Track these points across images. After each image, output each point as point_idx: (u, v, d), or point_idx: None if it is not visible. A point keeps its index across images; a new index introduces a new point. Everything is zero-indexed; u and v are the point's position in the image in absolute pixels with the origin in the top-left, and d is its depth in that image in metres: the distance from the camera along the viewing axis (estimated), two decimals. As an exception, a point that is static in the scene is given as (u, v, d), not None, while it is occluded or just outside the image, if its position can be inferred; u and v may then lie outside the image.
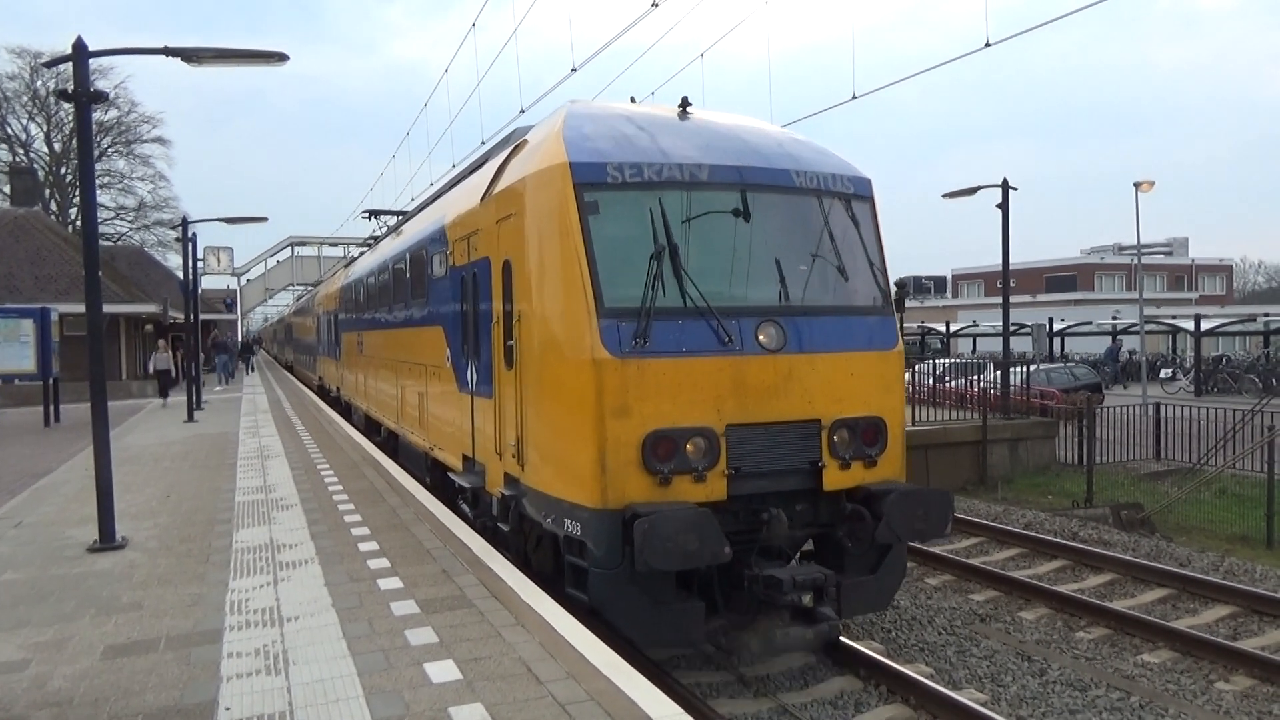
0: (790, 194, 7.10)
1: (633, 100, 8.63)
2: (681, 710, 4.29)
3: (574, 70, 13.75)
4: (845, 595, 6.80)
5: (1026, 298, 64.43)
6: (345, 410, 20.40)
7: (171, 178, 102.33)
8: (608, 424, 6.13)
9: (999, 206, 19.80)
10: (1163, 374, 38.63)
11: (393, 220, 18.62)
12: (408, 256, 11.91)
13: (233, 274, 58.75)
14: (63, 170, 50.55)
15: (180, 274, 32.24)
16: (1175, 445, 18.61)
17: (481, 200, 8.18)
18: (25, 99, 49.21)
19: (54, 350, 21.08)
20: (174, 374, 27.48)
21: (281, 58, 8.50)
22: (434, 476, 10.90)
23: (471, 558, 7.13)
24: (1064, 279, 69.91)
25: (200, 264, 29.74)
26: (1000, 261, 20.39)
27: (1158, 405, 20.13)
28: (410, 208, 18.07)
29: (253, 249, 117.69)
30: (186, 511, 9.31)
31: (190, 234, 22.46)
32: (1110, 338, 46.05)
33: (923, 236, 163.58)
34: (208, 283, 47.32)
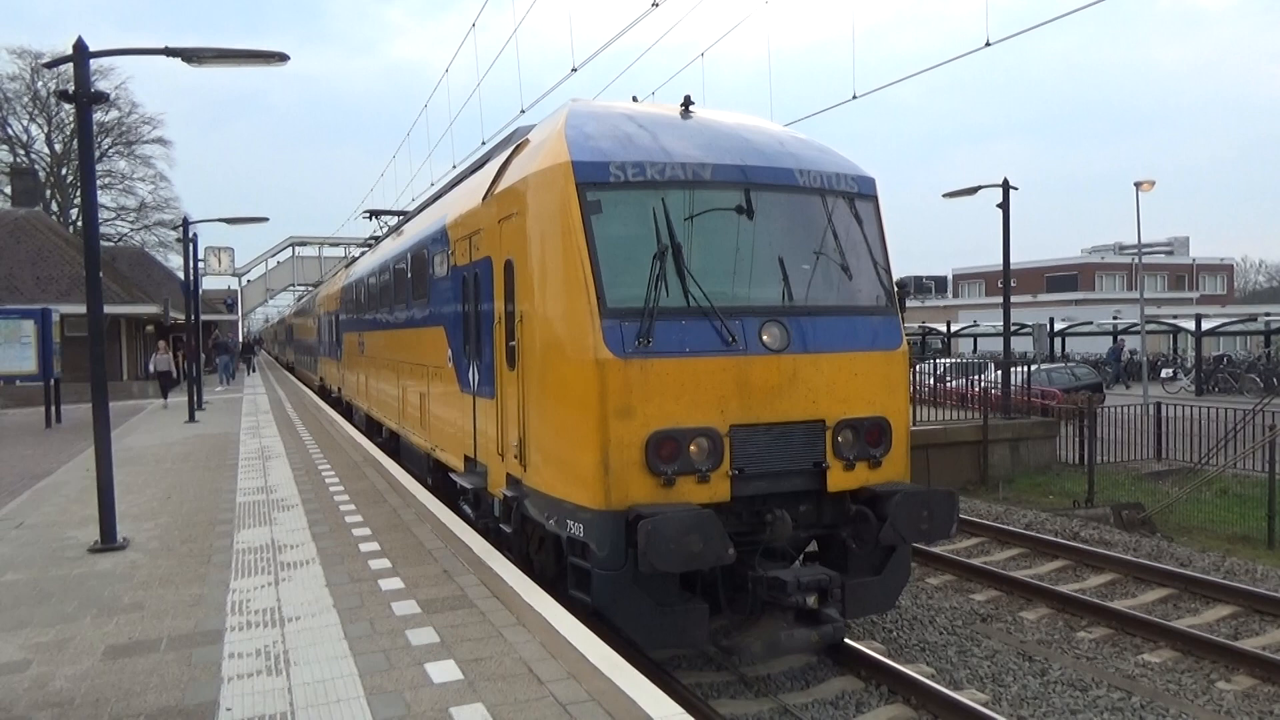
0: (794, 193, 7.06)
1: (635, 99, 8.62)
2: (682, 710, 4.28)
3: (574, 70, 13.76)
4: (850, 597, 6.76)
5: (1027, 297, 64.39)
6: (346, 411, 20.40)
7: (172, 178, 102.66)
8: (611, 425, 6.10)
9: (999, 206, 19.80)
10: (1164, 374, 38.64)
11: (393, 220, 18.62)
12: (409, 256, 11.90)
13: (233, 274, 58.90)
14: (64, 171, 50.57)
15: (181, 274, 32.30)
16: (1176, 445, 18.61)
17: (483, 200, 8.16)
18: (26, 100, 49.29)
19: (55, 351, 21.09)
20: (175, 375, 27.46)
21: (282, 58, 8.50)
22: (435, 477, 10.89)
23: (472, 558, 7.13)
24: (1065, 279, 69.87)
25: (201, 264, 29.79)
26: (1001, 261, 20.40)
27: (1159, 405, 20.12)
28: (411, 208, 18.07)
29: (253, 249, 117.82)
30: (188, 512, 9.31)
31: (191, 234, 22.47)
32: (1111, 337, 46.04)
33: (923, 236, 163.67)
34: (209, 283, 47.50)
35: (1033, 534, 12.50)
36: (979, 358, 33.74)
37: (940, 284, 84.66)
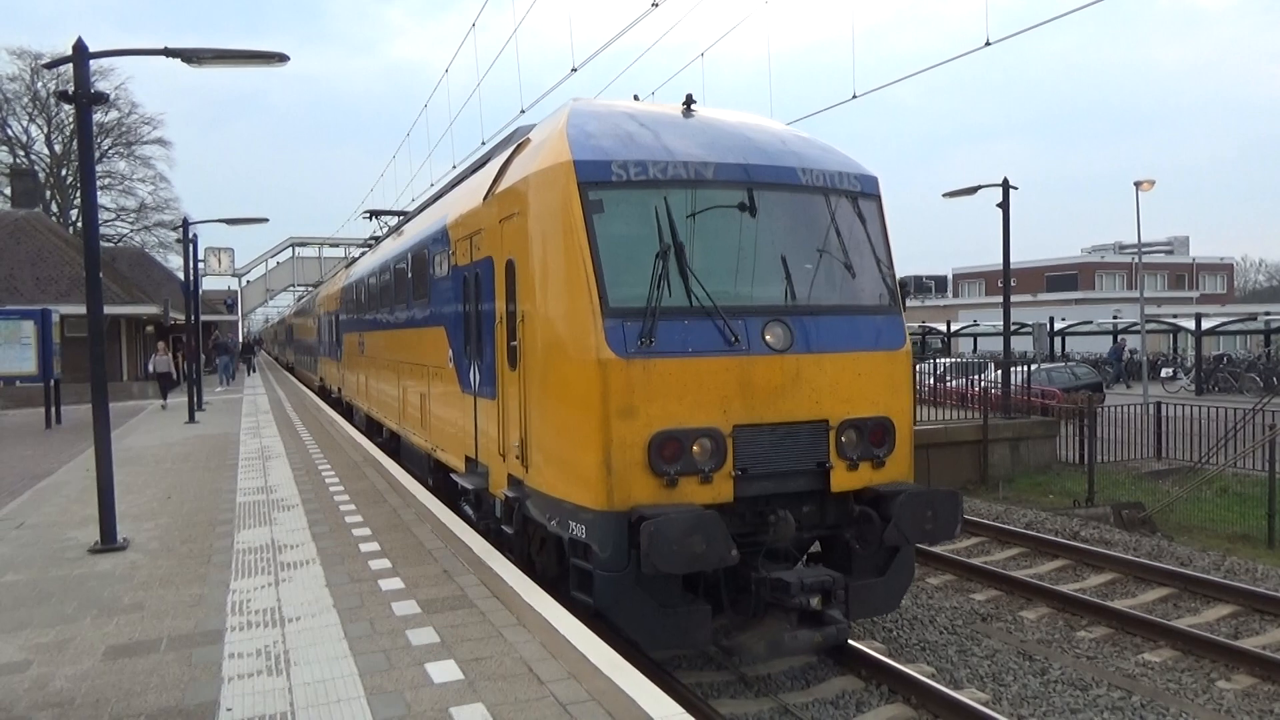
0: (797, 192, 7.03)
1: (636, 98, 8.60)
2: (682, 710, 4.28)
3: (574, 70, 13.76)
4: (853, 598, 6.72)
5: (1027, 297, 64.39)
6: (346, 411, 20.40)
7: (172, 179, 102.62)
8: (613, 425, 6.07)
9: (999, 206, 19.80)
10: (1164, 373, 38.64)
11: (394, 220, 18.62)
12: (409, 256, 11.89)
13: (233, 275, 58.91)
14: (63, 172, 50.56)
15: (181, 275, 32.29)
16: (1176, 444, 18.61)
17: (484, 199, 8.14)
18: (26, 100, 49.29)
19: (55, 352, 21.09)
20: (174, 376, 27.43)
21: (282, 58, 8.50)
22: (436, 478, 10.88)
23: (472, 558, 7.13)
24: (1065, 278, 69.87)
25: (201, 265, 29.77)
26: (1001, 260, 20.40)
27: (1159, 404, 20.12)
28: (411, 208, 18.07)
29: (253, 250, 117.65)
30: (188, 512, 9.31)
31: (191, 235, 22.48)
32: (1111, 337, 46.06)
33: (923, 236, 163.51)
34: (209, 284, 47.50)
35: (1033, 533, 12.50)
36: (979, 357, 33.75)
37: (940, 284, 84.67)
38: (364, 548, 7.56)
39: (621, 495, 6.06)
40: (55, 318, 21.44)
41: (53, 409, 21.20)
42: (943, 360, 29.85)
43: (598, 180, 6.44)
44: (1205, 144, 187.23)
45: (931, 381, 22.19)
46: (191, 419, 19.71)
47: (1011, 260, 20.31)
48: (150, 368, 27.87)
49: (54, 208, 48.73)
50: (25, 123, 50.44)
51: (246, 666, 4.96)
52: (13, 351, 20.46)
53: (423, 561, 7.07)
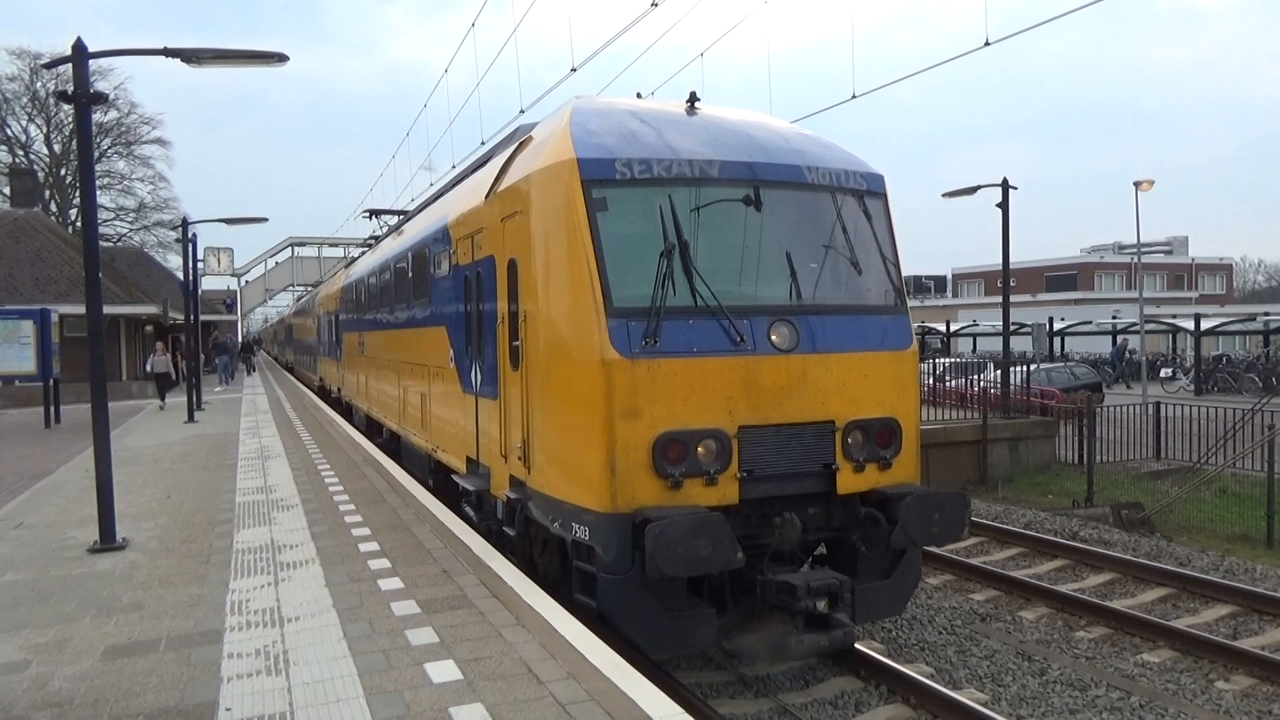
0: (802, 190, 6.96)
1: (639, 96, 8.56)
2: (682, 710, 4.28)
3: (574, 70, 13.76)
4: (859, 601, 6.66)
5: (1026, 297, 64.44)
6: (346, 411, 20.39)
7: (171, 178, 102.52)
8: (617, 426, 6.00)
9: (999, 206, 19.81)
10: (1163, 373, 38.66)
11: (393, 220, 18.60)
12: (410, 256, 11.87)
13: (233, 274, 58.82)
14: (62, 171, 50.55)
15: (180, 275, 32.31)
16: (1175, 444, 18.61)
17: (486, 198, 8.10)
18: (25, 100, 49.28)
19: (54, 351, 21.09)
20: (173, 376, 27.40)
21: (281, 58, 8.49)
22: (437, 479, 10.86)
23: (472, 558, 7.12)
24: (1064, 278, 69.91)
25: (200, 265, 29.79)
26: (1000, 261, 20.40)
27: (1158, 404, 20.13)
28: (411, 207, 18.06)
29: (253, 249, 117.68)
30: (187, 512, 9.31)
31: (190, 235, 22.48)
32: (1111, 337, 46.07)
33: (923, 236, 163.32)
34: (208, 283, 47.46)
35: (1032, 533, 12.51)
36: (978, 357, 33.74)
37: (940, 284, 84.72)
38: (363, 548, 7.56)
39: (625, 497, 5.99)
40: (54, 317, 21.45)
41: (52, 409, 21.20)
42: (942, 360, 29.85)
43: (601, 178, 6.38)
44: (1205, 144, 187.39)
45: (931, 381, 22.19)
46: (190, 419, 19.70)
47: (1011, 260, 20.33)
48: (149, 368, 27.85)
49: (53, 207, 48.74)
50: (24, 122, 50.53)
51: (246, 666, 4.96)
52: (12, 351, 20.47)
53: (422, 561, 7.07)
